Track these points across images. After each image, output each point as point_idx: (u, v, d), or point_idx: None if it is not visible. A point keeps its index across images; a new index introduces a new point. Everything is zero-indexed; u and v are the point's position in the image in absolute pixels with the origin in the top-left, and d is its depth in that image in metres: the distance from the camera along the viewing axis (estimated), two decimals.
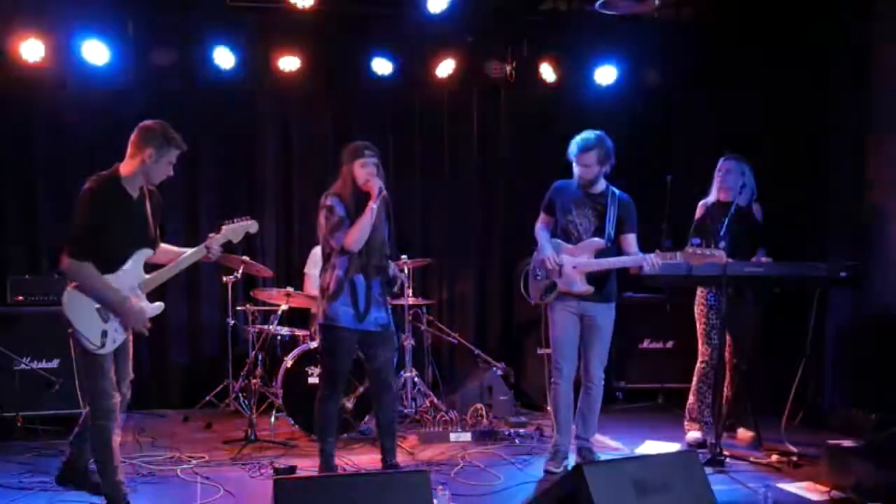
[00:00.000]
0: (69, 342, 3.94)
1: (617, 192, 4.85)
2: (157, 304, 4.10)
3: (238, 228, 4.24)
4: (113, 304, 3.85)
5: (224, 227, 4.21)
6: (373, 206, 4.34)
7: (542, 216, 5.00)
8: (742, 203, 5.43)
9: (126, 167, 3.90)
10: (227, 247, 5.15)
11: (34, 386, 5.62)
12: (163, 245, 4.16)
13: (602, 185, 4.84)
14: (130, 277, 3.97)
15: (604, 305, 4.83)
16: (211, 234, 4.17)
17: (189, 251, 4.15)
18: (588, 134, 4.77)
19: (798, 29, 6.54)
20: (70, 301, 3.83)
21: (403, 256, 5.97)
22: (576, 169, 4.80)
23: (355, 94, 7.06)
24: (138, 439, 5.58)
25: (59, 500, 4.34)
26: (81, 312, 3.82)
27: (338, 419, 4.65)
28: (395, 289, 4.65)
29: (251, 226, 4.29)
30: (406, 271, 6.02)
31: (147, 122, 3.94)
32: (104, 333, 3.84)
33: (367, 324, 4.46)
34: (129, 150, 3.90)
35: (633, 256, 4.73)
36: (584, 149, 4.72)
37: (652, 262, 4.65)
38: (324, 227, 4.45)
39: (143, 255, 4.02)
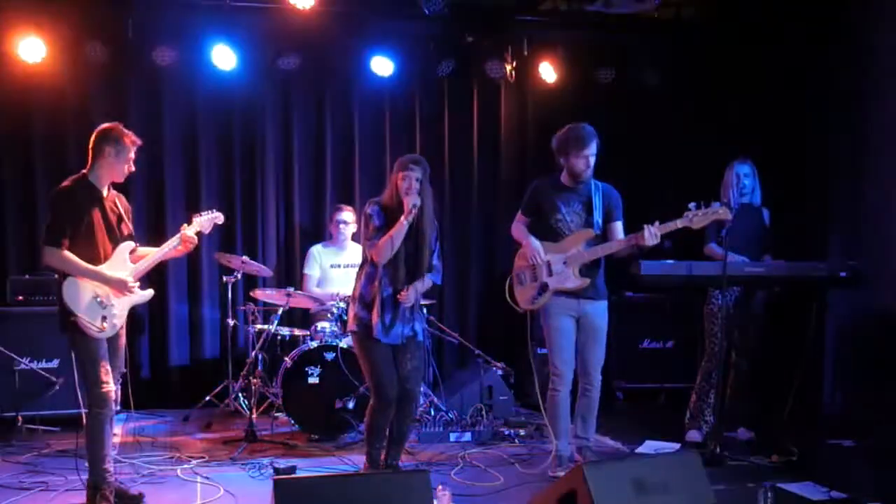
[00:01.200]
0: (67, 337, 4.04)
1: (600, 182, 4.81)
2: (148, 291, 4.35)
3: (206, 221, 4.52)
4: (96, 278, 4.10)
5: (194, 219, 4.48)
6: (403, 221, 4.31)
7: (520, 216, 4.94)
8: (755, 203, 5.42)
9: (91, 169, 4.20)
10: (227, 246, 5.17)
11: (34, 386, 5.64)
12: (140, 248, 4.38)
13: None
14: (118, 269, 4.19)
15: (599, 303, 4.80)
16: (184, 225, 4.43)
17: (164, 246, 4.39)
18: (584, 126, 4.72)
19: (798, 29, 6.54)
20: (69, 291, 4.06)
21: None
22: (579, 162, 4.69)
23: (355, 94, 7.06)
24: (138, 439, 5.58)
25: (60, 500, 4.35)
26: (82, 300, 4.06)
27: (386, 426, 4.54)
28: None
29: (218, 217, 4.58)
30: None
31: (102, 126, 4.24)
32: (104, 319, 4.10)
33: (393, 338, 4.45)
34: (90, 155, 4.20)
35: (629, 235, 4.62)
36: (592, 140, 4.67)
37: (651, 231, 4.51)
38: (362, 234, 4.50)
39: (126, 247, 4.27)
